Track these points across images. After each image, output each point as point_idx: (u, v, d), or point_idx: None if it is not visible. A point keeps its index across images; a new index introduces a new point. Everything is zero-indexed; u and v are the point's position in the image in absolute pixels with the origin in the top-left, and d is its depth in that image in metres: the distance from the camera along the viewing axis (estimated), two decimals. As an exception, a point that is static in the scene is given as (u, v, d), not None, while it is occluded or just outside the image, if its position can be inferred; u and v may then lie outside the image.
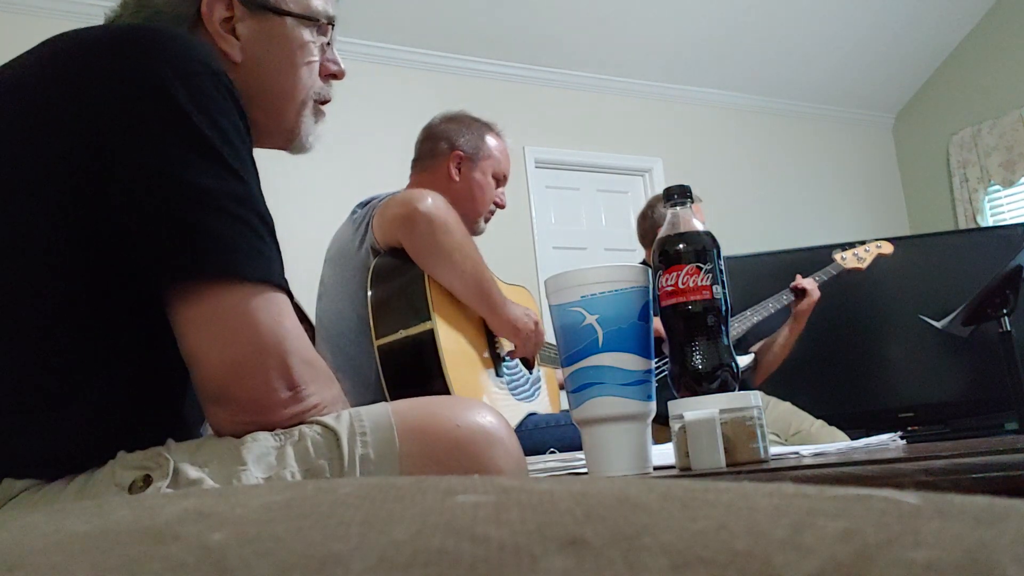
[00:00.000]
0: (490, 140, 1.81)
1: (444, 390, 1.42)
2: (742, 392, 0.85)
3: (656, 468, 0.89)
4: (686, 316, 0.90)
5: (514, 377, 1.75)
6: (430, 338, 1.44)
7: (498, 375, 1.67)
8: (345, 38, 3.59)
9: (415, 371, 1.45)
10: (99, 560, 0.17)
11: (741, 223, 4.39)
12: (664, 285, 0.92)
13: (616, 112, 4.46)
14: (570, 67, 4.31)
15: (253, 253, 0.65)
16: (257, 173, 0.70)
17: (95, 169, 0.63)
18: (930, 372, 3.47)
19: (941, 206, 4.96)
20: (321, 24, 0.87)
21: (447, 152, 1.77)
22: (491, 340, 1.67)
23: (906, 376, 3.50)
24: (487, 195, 1.78)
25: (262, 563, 0.16)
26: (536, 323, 1.62)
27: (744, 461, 0.80)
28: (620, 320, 0.86)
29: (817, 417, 2.63)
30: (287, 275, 0.69)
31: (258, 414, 0.65)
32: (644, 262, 2.47)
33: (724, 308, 0.92)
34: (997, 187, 4.68)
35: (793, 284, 2.52)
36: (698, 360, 0.90)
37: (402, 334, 1.45)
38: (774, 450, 0.96)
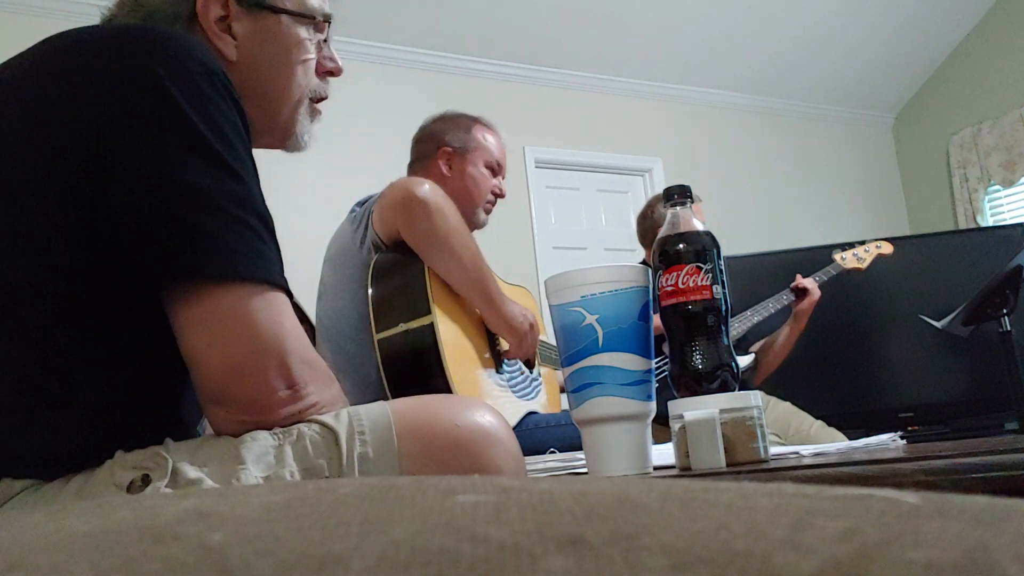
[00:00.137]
0: (477, 132, 1.82)
1: (444, 384, 1.42)
2: (742, 392, 0.85)
3: (656, 468, 0.89)
4: (686, 316, 0.90)
5: (514, 375, 1.75)
6: (430, 332, 1.44)
7: (499, 372, 1.67)
8: (345, 38, 3.60)
9: (415, 365, 1.45)
10: (99, 560, 0.17)
11: (741, 223, 4.39)
12: (664, 285, 0.92)
13: (616, 112, 4.46)
14: (570, 67, 4.31)
15: (252, 253, 0.65)
16: (256, 173, 0.70)
17: (93, 170, 0.63)
18: (930, 372, 3.47)
19: (941, 206, 4.96)
20: (317, 21, 0.87)
21: (436, 150, 1.80)
22: (492, 339, 1.67)
23: (906, 376, 3.50)
24: (481, 186, 1.78)
25: (262, 563, 0.16)
26: (532, 324, 1.62)
27: (744, 461, 0.80)
28: (620, 320, 0.86)
29: (817, 417, 2.63)
30: (286, 275, 0.69)
31: (257, 414, 0.65)
32: (644, 262, 2.47)
33: (724, 308, 0.92)
34: (997, 187, 4.68)
35: (793, 284, 2.52)
36: (698, 360, 0.90)
37: (402, 327, 1.45)
38: (774, 450, 0.96)
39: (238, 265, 0.64)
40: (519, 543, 0.17)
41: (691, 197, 0.95)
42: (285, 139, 0.88)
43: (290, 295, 0.69)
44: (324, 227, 1.87)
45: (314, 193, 3.44)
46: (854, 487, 0.21)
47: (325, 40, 0.90)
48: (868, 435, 1.18)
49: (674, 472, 0.83)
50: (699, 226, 0.93)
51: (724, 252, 0.95)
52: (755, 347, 2.60)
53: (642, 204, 2.67)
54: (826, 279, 2.59)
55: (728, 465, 0.79)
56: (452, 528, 0.18)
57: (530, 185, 4.17)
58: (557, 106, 4.30)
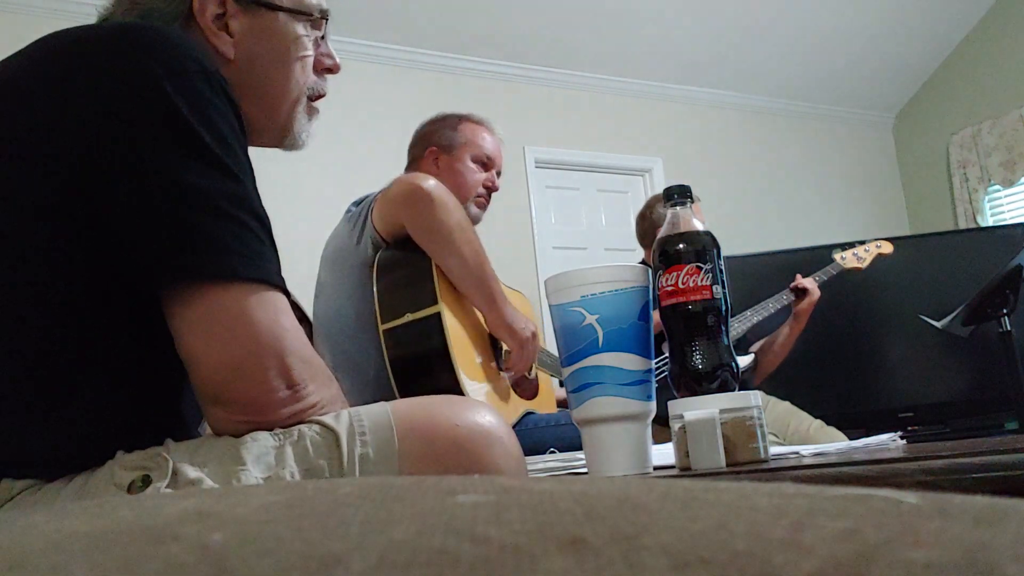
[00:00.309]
0: (465, 128, 1.83)
1: (451, 375, 1.42)
2: (742, 392, 0.85)
3: (656, 468, 0.89)
4: (686, 316, 0.90)
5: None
6: (437, 321, 1.44)
7: (499, 369, 1.67)
8: (345, 38, 3.60)
9: (421, 355, 1.45)
10: (99, 560, 0.17)
11: (741, 223, 4.39)
12: (664, 285, 0.92)
13: (616, 112, 4.46)
14: (570, 67, 4.31)
15: (249, 253, 0.65)
16: (253, 172, 0.70)
17: (90, 170, 0.63)
18: (930, 372, 3.47)
19: (941, 206, 4.96)
20: (315, 18, 0.87)
21: (424, 151, 1.82)
22: (493, 340, 1.67)
23: (906, 376, 3.50)
24: (469, 180, 1.78)
25: (262, 563, 0.16)
26: (534, 332, 1.61)
27: (744, 461, 0.80)
28: (620, 320, 0.86)
29: (816, 417, 2.63)
30: (284, 274, 0.69)
31: (257, 414, 0.65)
32: (643, 262, 2.47)
33: (724, 308, 0.92)
34: (997, 187, 4.68)
35: (793, 284, 2.52)
36: (698, 360, 0.90)
37: (408, 317, 1.45)
38: (774, 450, 0.96)
39: (236, 265, 0.63)
40: (519, 543, 0.17)
41: (691, 197, 0.95)
42: (283, 137, 0.88)
43: (288, 294, 0.69)
44: (323, 227, 1.87)
45: (313, 193, 3.44)
46: (854, 487, 0.21)
47: (323, 37, 0.89)
48: (868, 435, 1.18)
49: (674, 472, 0.83)
50: (699, 226, 0.93)
51: (724, 252, 0.95)
52: (755, 347, 2.60)
53: (642, 204, 2.67)
54: (826, 279, 2.59)
55: (728, 465, 0.79)
56: (452, 528, 0.18)
57: (530, 185, 4.17)
58: (557, 106, 4.30)
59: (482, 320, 1.63)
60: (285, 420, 0.66)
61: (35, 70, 0.69)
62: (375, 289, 1.48)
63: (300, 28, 0.85)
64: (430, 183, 1.47)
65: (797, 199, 4.84)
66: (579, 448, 0.93)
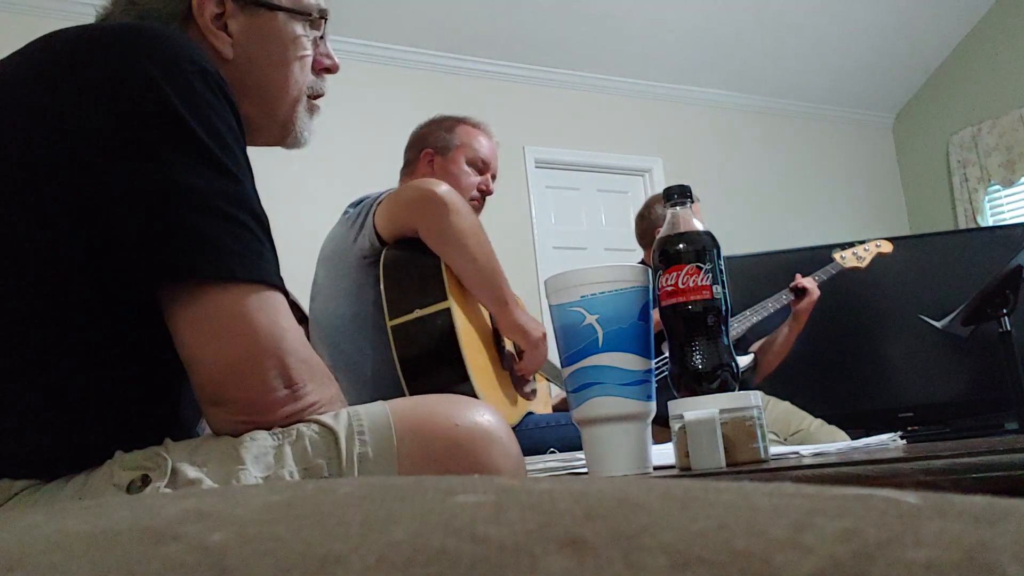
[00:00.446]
0: (460, 131, 1.84)
1: (460, 370, 1.43)
2: (742, 392, 0.85)
3: (656, 468, 0.89)
4: (686, 316, 0.90)
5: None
6: (447, 317, 1.45)
7: (504, 368, 1.68)
8: (345, 38, 3.60)
9: (430, 350, 1.45)
10: (99, 560, 0.17)
11: (741, 223, 4.39)
12: (664, 285, 0.92)
13: (616, 112, 4.46)
14: (570, 67, 4.31)
15: (248, 253, 0.65)
16: (251, 171, 0.70)
17: (87, 170, 0.63)
18: (930, 372, 3.47)
19: (941, 206, 4.96)
20: (314, 18, 0.87)
21: (419, 154, 1.82)
22: (498, 340, 1.68)
23: (906, 376, 3.50)
24: (463, 183, 1.79)
25: (262, 563, 0.16)
26: (544, 335, 1.61)
27: (744, 461, 0.80)
28: (620, 320, 0.86)
29: (816, 417, 2.63)
30: (283, 274, 0.69)
31: (256, 414, 0.65)
32: (642, 262, 2.47)
33: (724, 308, 0.92)
34: (997, 187, 4.68)
35: (793, 283, 2.52)
36: (698, 360, 0.90)
37: (418, 313, 1.46)
38: (774, 450, 0.96)
39: (234, 265, 0.63)
40: (519, 543, 0.17)
41: (691, 197, 0.95)
42: (284, 136, 0.88)
43: (287, 294, 0.69)
44: (322, 227, 1.87)
45: (312, 193, 3.44)
46: (854, 487, 0.21)
47: (322, 37, 0.89)
48: (868, 435, 1.18)
49: (674, 472, 0.83)
50: (699, 226, 0.93)
51: (724, 252, 0.95)
52: (754, 347, 2.60)
53: (642, 204, 2.67)
54: (825, 278, 2.59)
55: (728, 465, 0.79)
56: (452, 528, 0.18)
57: (530, 185, 4.17)
58: (557, 106, 4.30)
59: (487, 320, 1.63)
60: (284, 420, 0.66)
61: (32, 70, 0.69)
62: (382, 286, 1.49)
63: (299, 28, 0.85)
64: (443, 188, 1.48)
65: (797, 199, 4.84)
66: (579, 448, 0.93)
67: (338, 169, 3.52)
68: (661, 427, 0.93)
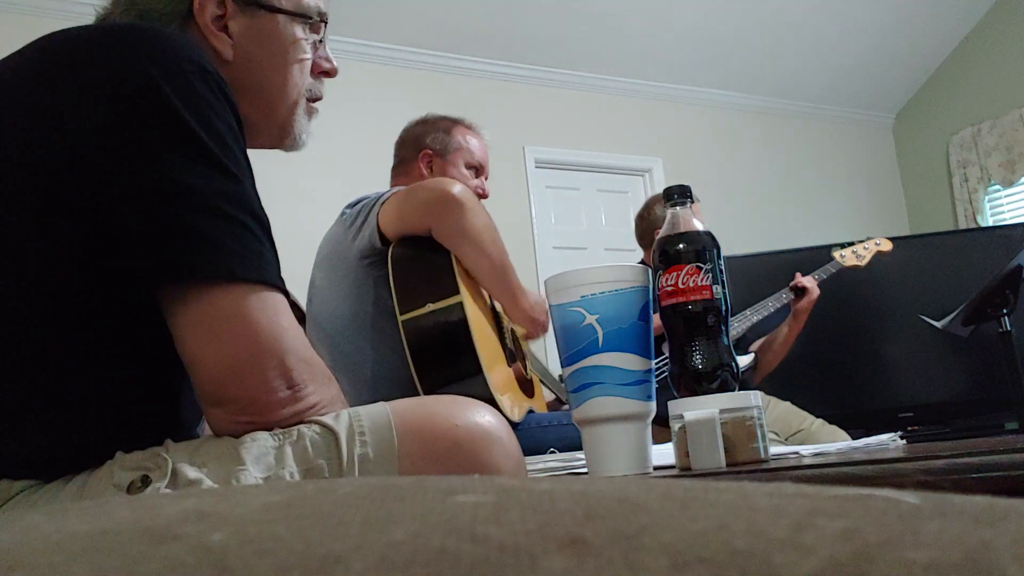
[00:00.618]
0: (458, 133, 1.84)
1: (475, 363, 1.43)
2: (742, 392, 0.85)
3: (656, 468, 0.89)
4: (686, 316, 0.90)
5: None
6: (460, 311, 1.45)
7: (509, 365, 1.69)
8: (345, 38, 3.60)
9: (444, 344, 1.46)
10: (99, 560, 0.17)
11: (741, 223, 4.39)
12: (664, 285, 0.92)
13: (616, 112, 4.46)
14: (570, 67, 4.31)
15: (248, 253, 0.65)
16: (251, 171, 0.70)
17: (87, 170, 0.63)
18: (930, 372, 3.47)
19: (941, 206, 4.96)
20: (313, 21, 0.87)
21: (417, 154, 1.82)
22: (501, 334, 1.68)
23: (906, 376, 3.51)
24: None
25: (262, 563, 0.16)
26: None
27: (744, 461, 0.80)
28: (620, 320, 0.86)
29: (817, 417, 2.63)
30: (284, 274, 0.69)
31: (257, 414, 0.65)
32: (642, 262, 2.47)
33: (724, 308, 0.92)
34: (997, 187, 4.68)
35: (793, 283, 2.52)
36: (698, 360, 0.90)
37: (430, 307, 1.47)
38: (774, 450, 0.96)
39: (234, 266, 0.63)
40: (519, 543, 0.17)
41: (691, 197, 0.95)
42: (283, 138, 0.88)
43: (287, 295, 0.69)
44: (321, 227, 1.87)
45: (312, 193, 3.44)
46: (854, 487, 0.21)
47: (321, 40, 0.89)
48: (868, 435, 1.18)
49: (674, 472, 0.83)
50: (699, 226, 0.93)
51: (724, 252, 0.95)
52: (755, 346, 2.60)
53: (642, 204, 2.68)
54: (825, 277, 2.59)
55: (728, 465, 0.79)
56: (452, 528, 0.18)
57: (530, 185, 4.17)
58: (557, 106, 4.30)
59: (491, 312, 1.64)
60: (285, 420, 0.66)
61: (32, 71, 0.69)
62: (391, 282, 1.49)
63: (299, 31, 0.85)
64: (458, 189, 1.50)
65: (797, 199, 4.84)
66: (579, 448, 0.93)
67: (337, 169, 3.52)
68: (661, 427, 0.93)
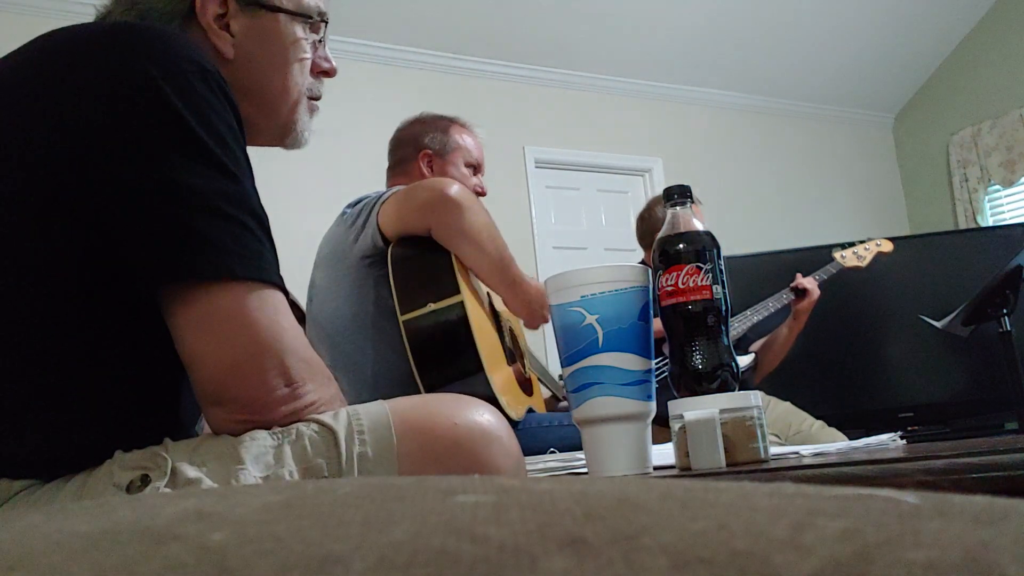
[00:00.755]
0: (455, 132, 1.84)
1: (475, 361, 1.44)
2: (742, 392, 0.85)
3: (656, 468, 0.89)
4: (686, 316, 0.90)
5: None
6: (460, 311, 1.46)
7: (510, 364, 1.69)
8: (345, 38, 3.60)
9: (446, 343, 1.47)
10: (99, 560, 0.17)
11: (741, 223, 4.39)
12: (664, 285, 0.92)
13: (616, 112, 4.46)
14: (570, 67, 4.31)
15: (248, 253, 0.65)
16: (252, 171, 0.70)
17: (86, 170, 0.63)
18: (930, 372, 3.47)
19: (941, 206, 4.96)
20: (314, 21, 0.87)
21: (415, 153, 1.82)
22: (499, 327, 1.69)
23: (906, 376, 3.51)
24: (465, 184, 1.80)
25: (262, 563, 0.16)
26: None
27: (744, 461, 0.80)
28: (620, 320, 0.86)
29: (817, 417, 2.63)
30: (283, 274, 0.69)
31: (257, 413, 0.65)
32: (643, 262, 2.47)
33: (724, 308, 0.91)
34: (997, 187, 4.68)
35: (793, 283, 2.52)
36: (698, 360, 0.90)
37: (431, 307, 1.47)
38: (774, 450, 0.96)
39: (234, 265, 0.63)
40: (519, 543, 0.17)
41: (691, 197, 0.95)
42: (284, 137, 0.88)
43: (287, 294, 0.69)
44: (320, 226, 1.87)
45: (312, 193, 3.43)
46: (854, 487, 0.21)
47: (321, 40, 0.90)
48: (868, 435, 1.18)
49: (674, 472, 0.83)
50: (699, 226, 0.93)
51: (724, 252, 0.95)
52: (755, 346, 2.60)
53: (642, 204, 2.67)
54: (826, 277, 2.59)
55: (728, 465, 0.79)
56: (452, 528, 0.18)
57: (530, 185, 4.17)
58: (557, 106, 4.30)
59: (489, 310, 1.64)
60: (284, 419, 0.66)
61: (32, 70, 0.69)
62: (392, 282, 1.50)
63: (299, 30, 0.85)
64: (455, 188, 1.50)
65: (797, 199, 4.84)
66: (579, 448, 0.93)
67: (337, 169, 3.52)
68: (661, 427, 0.93)
